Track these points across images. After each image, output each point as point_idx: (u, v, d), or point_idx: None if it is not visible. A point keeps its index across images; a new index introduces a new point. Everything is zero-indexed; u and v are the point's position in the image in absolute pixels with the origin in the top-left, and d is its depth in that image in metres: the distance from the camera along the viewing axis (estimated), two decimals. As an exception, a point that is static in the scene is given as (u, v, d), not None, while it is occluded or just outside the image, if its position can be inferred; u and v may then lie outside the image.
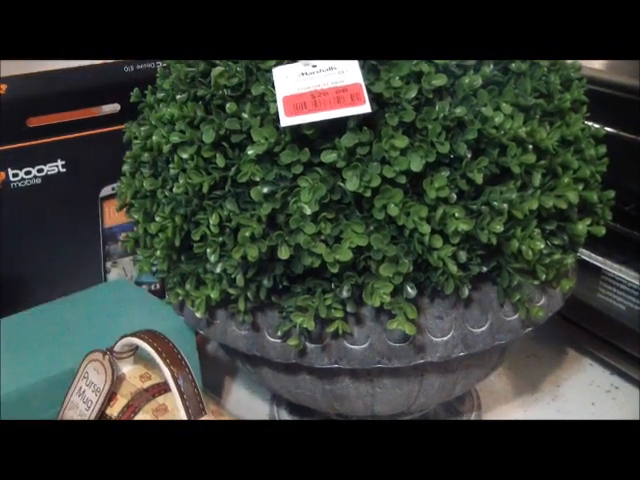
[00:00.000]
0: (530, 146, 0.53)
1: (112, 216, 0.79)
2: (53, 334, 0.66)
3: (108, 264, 0.81)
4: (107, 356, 0.54)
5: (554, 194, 0.55)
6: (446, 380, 0.59)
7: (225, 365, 0.82)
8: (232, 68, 0.54)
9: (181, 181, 0.54)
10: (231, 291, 0.54)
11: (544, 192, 0.54)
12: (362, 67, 0.52)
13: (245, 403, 0.77)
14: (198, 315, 0.57)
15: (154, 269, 0.61)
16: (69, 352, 0.62)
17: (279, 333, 0.55)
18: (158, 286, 0.83)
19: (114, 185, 0.77)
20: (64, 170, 0.75)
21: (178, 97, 0.57)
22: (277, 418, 0.73)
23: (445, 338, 0.54)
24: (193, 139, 0.54)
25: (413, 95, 0.51)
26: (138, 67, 0.76)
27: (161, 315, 0.67)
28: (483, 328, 0.55)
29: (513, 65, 0.54)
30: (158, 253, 0.59)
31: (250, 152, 0.51)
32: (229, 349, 0.61)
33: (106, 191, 0.78)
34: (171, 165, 0.56)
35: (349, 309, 0.53)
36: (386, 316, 0.53)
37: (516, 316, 0.56)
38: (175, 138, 0.55)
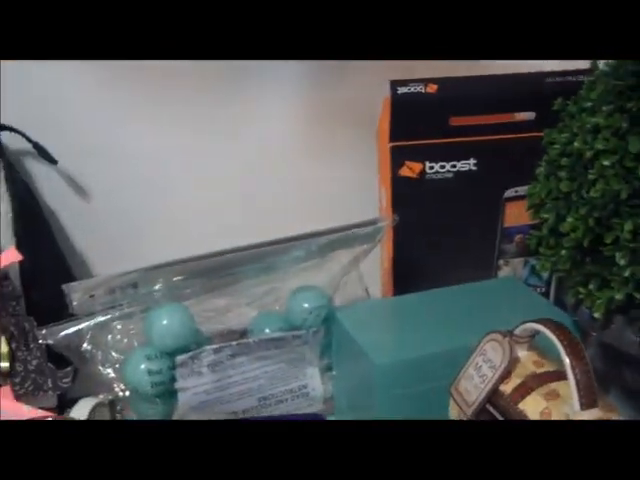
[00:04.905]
0: None
1: (511, 217, 0.83)
2: (447, 315, 0.73)
3: (500, 262, 0.85)
4: (507, 338, 0.59)
5: None
6: None
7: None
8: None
9: (599, 186, 0.57)
10: (637, 295, 0.56)
11: None
12: None
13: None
14: (596, 315, 0.59)
15: (554, 268, 0.64)
16: (461, 332, 0.68)
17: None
18: (544, 289, 0.86)
19: (517, 188, 0.81)
20: (475, 168, 0.80)
21: (604, 108, 0.60)
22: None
23: None
24: (617, 148, 0.57)
25: None
26: (557, 79, 0.79)
27: (546, 315, 0.70)
28: None
29: None
30: (563, 252, 0.62)
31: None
32: (618, 354, 0.62)
33: (509, 193, 0.82)
34: (590, 170, 0.58)
35: None
36: None
37: None
38: (599, 146, 0.57)
